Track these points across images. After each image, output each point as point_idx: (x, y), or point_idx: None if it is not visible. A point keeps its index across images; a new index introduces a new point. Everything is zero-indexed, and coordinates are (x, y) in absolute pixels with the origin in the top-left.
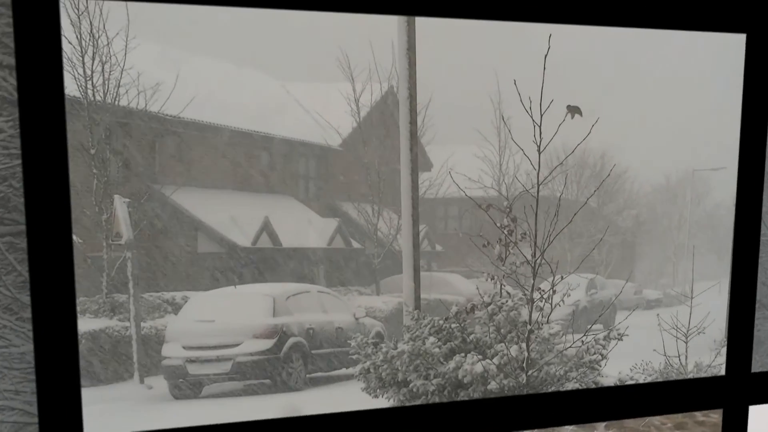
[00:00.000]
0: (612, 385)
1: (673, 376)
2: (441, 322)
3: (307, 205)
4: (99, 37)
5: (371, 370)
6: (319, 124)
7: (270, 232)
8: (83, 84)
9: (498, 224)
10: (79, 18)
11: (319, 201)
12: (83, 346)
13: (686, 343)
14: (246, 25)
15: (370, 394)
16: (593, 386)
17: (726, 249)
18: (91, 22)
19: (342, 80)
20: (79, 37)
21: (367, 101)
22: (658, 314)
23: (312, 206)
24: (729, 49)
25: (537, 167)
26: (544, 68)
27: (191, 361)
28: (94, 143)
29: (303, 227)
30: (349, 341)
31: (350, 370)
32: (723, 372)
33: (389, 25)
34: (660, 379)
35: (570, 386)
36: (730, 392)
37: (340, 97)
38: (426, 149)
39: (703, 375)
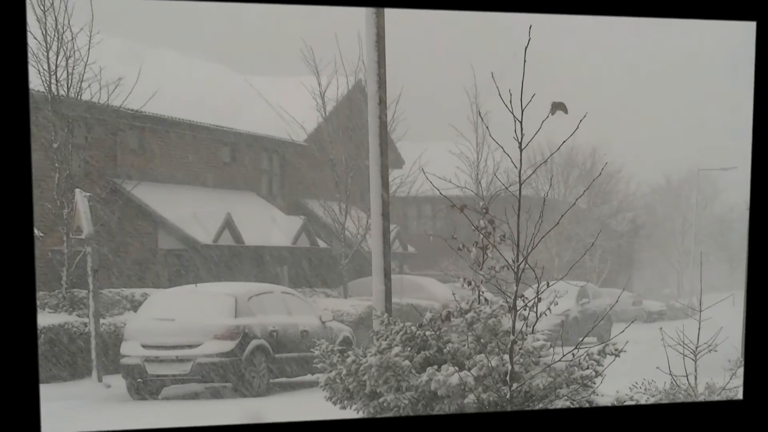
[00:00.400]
0: (609, 405)
1: (681, 398)
2: (414, 329)
3: (270, 202)
4: (64, 32)
5: (337, 380)
6: (282, 118)
7: (232, 230)
8: (47, 79)
9: (474, 226)
10: (44, 14)
11: (283, 198)
12: (42, 341)
13: (695, 361)
14: (208, 18)
15: (336, 405)
16: (587, 405)
17: (740, 258)
18: (56, 18)
19: (307, 74)
20: (44, 32)
21: (334, 95)
22: (661, 328)
23: (276, 203)
24: (737, 39)
25: (519, 165)
26: (525, 61)
27: (150, 360)
28: (57, 137)
29: (266, 225)
30: (312, 349)
31: (316, 377)
32: (740, 395)
33: (356, 16)
34: (666, 401)
35: (560, 404)
36: (750, 418)
37: (304, 91)
38: (396, 145)
39: (716, 398)
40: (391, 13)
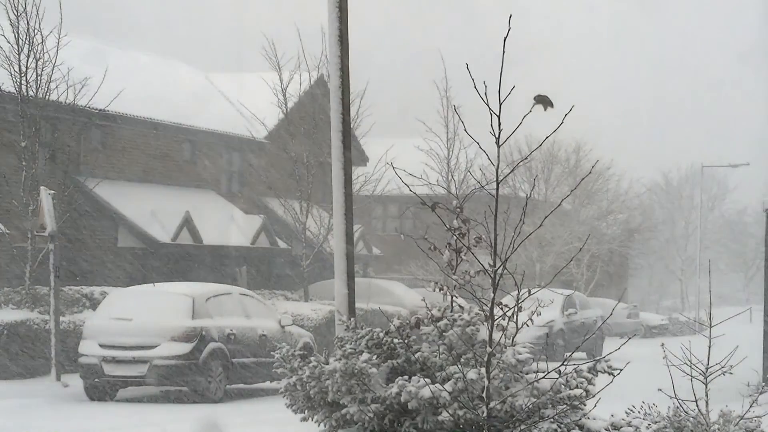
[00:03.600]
0: (602, 430)
1: (690, 427)
2: (381, 334)
3: (229, 200)
4: (34, 35)
5: (298, 387)
6: (243, 115)
7: (191, 228)
8: (18, 80)
9: (447, 226)
10: (17, 18)
11: (243, 196)
12: (4, 337)
13: (706, 384)
14: (171, 16)
15: (297, 414)
16: (576, 430)
17: (757, 266)
18: (28, 22)
19: (268, 69)
20: (16, 36)
21: (295, 91)
22: (662, 344)
23: (235, 201)
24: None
25: (496, 161)
26: (503, 51)
27: (107, 360)
28: (24, 137)
29: (225, 224)
30: (272, 352)
31: (275, 384)
32: (763, 427)
33: (319, 9)
34: (671, 429)
35: (545, 427)
36: None
37: (266, 87)
38: (361, 142)
39: (734, 429)
40: (355, 6)
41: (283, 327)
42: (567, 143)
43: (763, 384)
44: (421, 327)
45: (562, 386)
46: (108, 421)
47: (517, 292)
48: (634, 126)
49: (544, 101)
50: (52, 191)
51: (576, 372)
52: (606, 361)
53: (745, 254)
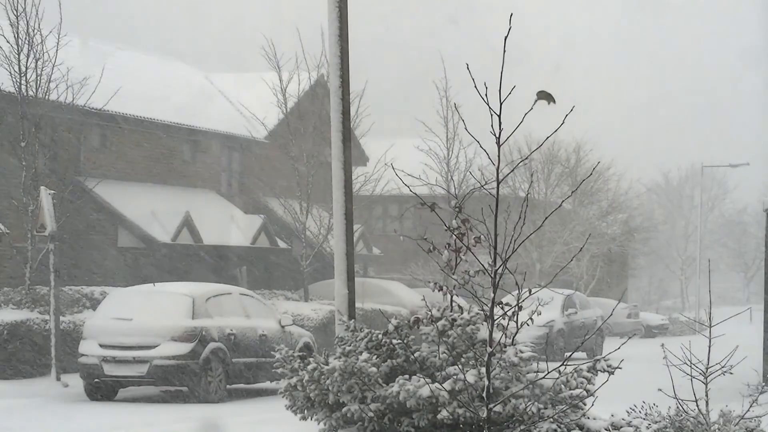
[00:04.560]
0: (602, 430)
1: (690, 427)
2: (380, 335)
3: (229, 200)
4: (34, 35)
5: (298, 387)
6: (243, 115)
7: (191, 228)
8: (18, 80)
9: (447, 226)
10: (17, 18)
11: (243, 196)
12: (3, 338)
13: (706, 384)
14: (171, 16)
15: (297, 414)
16: (576, 430)
17: (757, 266)
18: (27, 22)
19: (268, 69)
20: (16, 36)
21: (295, 91)
22: (662, 344)
23: (235, 201)
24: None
25: (497, 161)
26: (504, 51)
27: (107, 360)
28: (24, 136)
29: (225, 224)
30: (273, 352)
31: (275, 384)
32: (763, 426)
33: (319, 9)
34: (671, 429)
35: (545, 427)
36: None
37: (265, 87)
38: (360, 141)
39: (734, 429)
40: (355, 6)
41: (283, 327)
42: (567, 143)
43: (763, 384)
44: (421, 327)
45: (562, 386)
46: (108, 421)
47: (517, 291)
48: (634, 126)
49: (546, 97)
50: (52, 191)
51: (576, 372)
52: (605, 361)
53: (745, 254)
